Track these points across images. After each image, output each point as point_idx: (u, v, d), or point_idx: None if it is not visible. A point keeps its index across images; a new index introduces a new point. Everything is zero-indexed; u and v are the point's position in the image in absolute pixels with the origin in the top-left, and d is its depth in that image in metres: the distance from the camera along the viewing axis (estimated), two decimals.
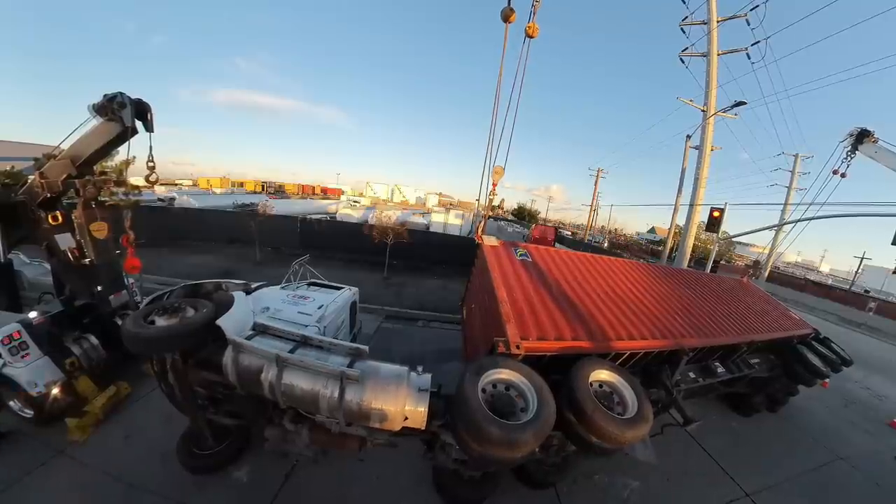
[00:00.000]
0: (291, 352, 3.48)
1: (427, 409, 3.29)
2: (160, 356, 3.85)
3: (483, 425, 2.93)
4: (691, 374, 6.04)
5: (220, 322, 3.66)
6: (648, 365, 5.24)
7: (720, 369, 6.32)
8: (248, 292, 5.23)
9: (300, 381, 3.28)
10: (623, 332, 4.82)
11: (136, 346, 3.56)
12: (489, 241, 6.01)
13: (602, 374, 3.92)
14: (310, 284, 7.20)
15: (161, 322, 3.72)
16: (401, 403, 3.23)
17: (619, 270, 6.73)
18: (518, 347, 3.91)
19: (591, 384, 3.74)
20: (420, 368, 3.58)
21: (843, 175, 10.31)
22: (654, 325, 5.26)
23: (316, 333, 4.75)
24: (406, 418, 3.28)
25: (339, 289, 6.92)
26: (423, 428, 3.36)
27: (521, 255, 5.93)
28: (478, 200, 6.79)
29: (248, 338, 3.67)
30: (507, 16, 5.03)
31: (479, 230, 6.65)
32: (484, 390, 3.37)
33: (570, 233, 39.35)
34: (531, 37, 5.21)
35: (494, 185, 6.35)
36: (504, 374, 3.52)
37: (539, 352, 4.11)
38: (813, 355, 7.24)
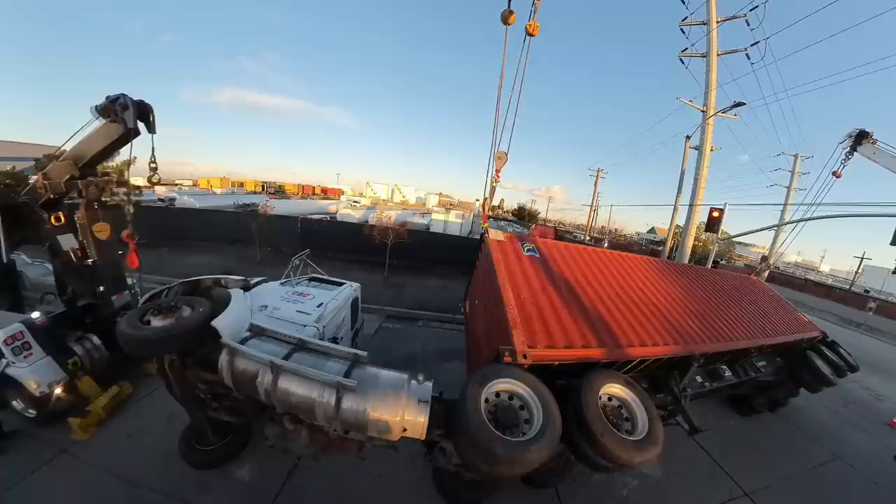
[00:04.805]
0: (287, 356, 3.40)
1: (427, 420, 3.19)
2: (156, 357, 3.83)
3: (486, 444, 2.84)
4: (698, 379, 5.82)
5: (215, 323, 3.64)
6: (657, 370, 5.06)
7: (727, 373, 6.11)
8: (246, 289, 5.20)
9: (296, 388, 3.19)
10: (634, 338, 4.58)
11: (130, 348, 3.53)
12: (495, 235, 5.68)
13: (613, 389, 3.74)
14: (311, 279, 7.06)
15: (156, 322, 3.68)
16: (399, 414, 3.13)
17: (629, 266, 6.46)
18: (525, 357, 3.70)
19: (601, 397, 3.59)
20: (421, 377, 3.44)
21: (838, 175, 10.32)
22: (666, 329, 5.02)
23: (315, 334, 4.74)
24: (405, 429, 3.19)
25: (340, 284, 6.76)
26: (422, 438, 3.28)
27: (528, 249, 5.62)
28: (481, 198, 6.68)
29: (244, 340, 3.62)
30: (506, 18, 5.07)
31: (486, 209, 6.49)
32: (487, 400, 3.27)
33: (586, 237, 37.93)
34: (532, 35, 5.23)
35: (498, 171, 6.18)
36: (508, 384, 3.39)
37: (547, 360, 3.91)
38: (822, 362, 7.06)
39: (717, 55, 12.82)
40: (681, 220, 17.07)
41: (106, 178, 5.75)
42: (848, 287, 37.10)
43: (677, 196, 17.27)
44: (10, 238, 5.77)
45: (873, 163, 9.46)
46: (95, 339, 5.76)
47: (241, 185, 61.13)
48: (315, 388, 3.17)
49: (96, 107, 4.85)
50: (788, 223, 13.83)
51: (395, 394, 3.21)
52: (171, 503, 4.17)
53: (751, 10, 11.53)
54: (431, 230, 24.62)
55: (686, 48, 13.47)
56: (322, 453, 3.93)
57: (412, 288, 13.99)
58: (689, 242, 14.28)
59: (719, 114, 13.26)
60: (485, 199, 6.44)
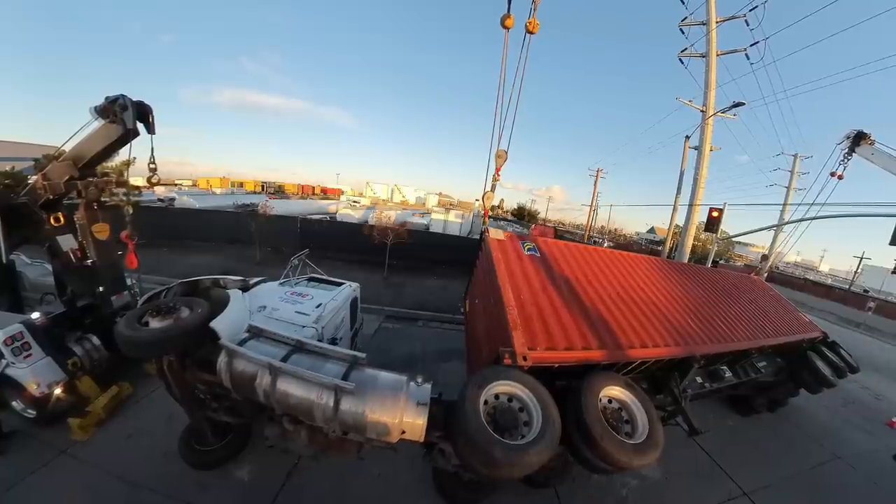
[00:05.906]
0: (286, 357, 3.39)
1: (425, 423, 3.18)
2: (155, 358, 3.84)
3: (484, 446, 2.85)
4: (698, 380, 5.80)
5: (213, 324, 3.63)
6: (657, 370, 5.04)
7: (727, 374, 6.10)
8: (245, 289, 5.18)
9: (295, 390, 3.19)
10: (635, 339, 4.56)
11: (129, 349, 3.53)
12: (495, 234, 5.65)
13: (614, 391, 3.73)
14: (310, 279, 7.05)
15: (155, 323, 3.67)
16: (398, 416, 3.12)
17: (629, 265, 6.43)
18: (525, 359, 3.69)
19: (601, 399, 3.59)
20: (420, 379, 3.41)
21: (840, 177, 10.33)
22: (667, 330, 5.00)
23: (314, 335, 4.72)
24: (404, 431, 3.19)
25: (339, 284, 6.75)
26: (421, 440, 3.27)
27: (528, 249, 5.60)
28: (481, 196, 6.61)
29: (243, 341, 3.60)
30: (505, 21, 5.12)
31: (486, 203, 6.45)
32: (486, 402, 3.26)
33: (587, 235, 37.38)
34: (532, 32, 5.24)
35: (498, 169, 6.18)
36: (508, 386, 3.38)
37: (547, 362, 3.90)
38: (823, 363, 7.04)
39: (717, 55, 12.82)
40: (680, 220, 17.09)
41: (105, 178, 5.75)
42: (847, 287, 37.14)
43: (677, 196, 17.26)
44: (10, 238, 5.75)
45: (871, 164, 9.47)
46: (95, 340, 5.76)
47: (241, 185, 61.11)
48: (313, 390, 3.16)
49: (95, 107, 4.85)
50: (788, 223, 13.84)
51: (394, 396, 3.20)
52: (170, 503, 4.16)
53: (750, 11, 11.53)
54: (431, 230, 24.57)
55: (685, 48, 13.47)
56: (321, 454, 3.92)
57: (412, 288, 13.99)
58: (689, 242, 14.28)
59: (718, 114, 13.26)
60: (485, 192, 6.35)
